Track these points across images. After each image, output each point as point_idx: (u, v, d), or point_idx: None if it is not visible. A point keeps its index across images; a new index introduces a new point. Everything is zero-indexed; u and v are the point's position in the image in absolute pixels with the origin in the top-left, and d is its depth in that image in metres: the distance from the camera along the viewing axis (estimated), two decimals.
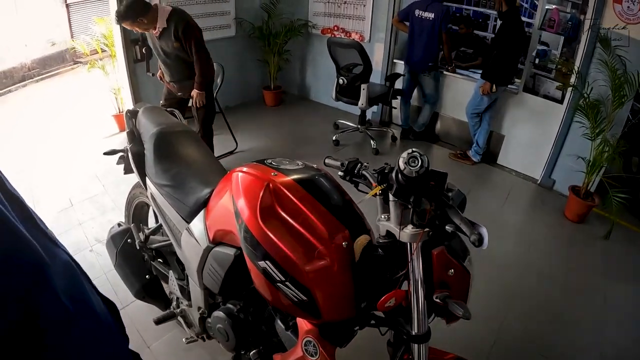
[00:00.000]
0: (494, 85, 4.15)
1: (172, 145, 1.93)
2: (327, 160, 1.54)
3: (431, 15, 4.54)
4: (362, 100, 4.67)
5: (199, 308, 1.85)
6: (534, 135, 4.39)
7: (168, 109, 2.31)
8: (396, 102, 5.17)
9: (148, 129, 2.01)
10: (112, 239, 2.22)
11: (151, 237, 2.18)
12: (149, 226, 2.46)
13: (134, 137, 2.10)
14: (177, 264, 2.06)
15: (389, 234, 1.27)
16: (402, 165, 1.13)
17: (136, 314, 2.57)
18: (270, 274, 1.28)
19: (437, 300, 1.18)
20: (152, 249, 2.19)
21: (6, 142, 6.70)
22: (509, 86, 4.35)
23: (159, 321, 2.09)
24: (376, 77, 5.20)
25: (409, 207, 1.19)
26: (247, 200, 1.34)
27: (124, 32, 4.80)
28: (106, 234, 2.34)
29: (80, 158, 4.89)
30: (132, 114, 2.20)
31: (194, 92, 3.70)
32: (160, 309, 2.17)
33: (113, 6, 4.73)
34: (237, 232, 1.37)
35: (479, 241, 1.06)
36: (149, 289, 2.10)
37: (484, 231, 1.10)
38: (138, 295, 2.12)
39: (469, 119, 4.58)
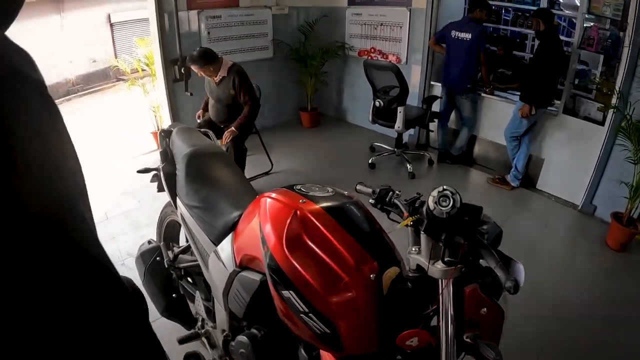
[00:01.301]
0: (533, 108, 4.04)
1: (204, 167, 1.94)
2: (358, 187, 1.51)
3: (468, 36, 4.49)
4: (399, 123, 4.62)
5: (223, 331, 1.83)
6: (574, 159, 4.23)
7: (202, 130, 2.34)
8: (433, 125, 5.11)
9: (181, 149, 2.03)
10: (142, 256, 2.24)
11: (180, 256, 2.19)
12: (180, 245, 2.48)
13: (167, 156, 2.12)
14: (204, 284, 2.05)
15: (419, 267, 1.23)
16: (431, 205, 1.10)
17: (161, 331, 2.55)
18: (294, 304, 1.24)
19: (468, 340, 1.13)
20: (181, 268, 2.19)
21: None
22: (548, 108, 4.23)
23: (182, 340, 2.08)
24: (413, 100, 5.15)
25: (440, 244, 1.15)
26: (273, 228, 1.31)
27: (164, 52, 4.94)
28: (137, 248, 2.37)
29: (118, 173, 5.02)
30: (166, 134, 2.22)
31: (230, 129, 3.96)
32: (185, 329, 2.17)
33: (154, 27, 4.89)
34: (263, 258, 1.34)
35: (514, 288, 1.00)
36: (174, 307, 2.10)
37: (521, 270, 1.06)
38: (164, 313, 2.13)
39: (507, 142, 4.47)
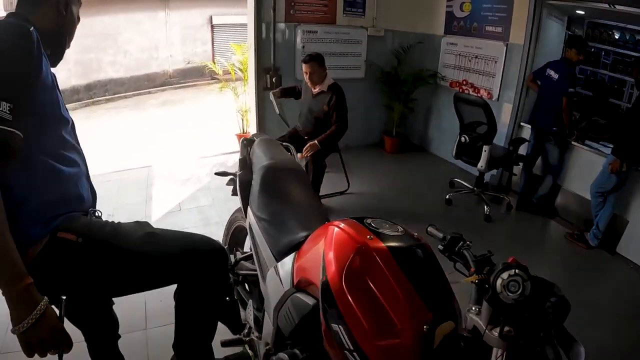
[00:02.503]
0: (625, 164, 3.77)
1: (279, 181, 1.96)
2: (429, 229, 1.47)
3: (556, 76, 4.31)
4: (482, 162, 4.44)
5: (267, 344, 1.84)
6: None
7: (284, 144, 2.38)
8: (517, 169, 4.91)
9: (260, 160, 2.07)
10: None
11: (242, 262, 2.22)
12: (244, 251, 2.53)
13: (246, 164, 2.17)
14: (258, 295, 2.07)
15: (475, 329, 1.18)
16: (498, 288, 1.06)
17: None
18: (341, 338, 1.22)
19: None
20: (240, 274, 2.23)
21: (137, 140, 7.38)
22: None
23: (225, 344, 2.11)
24: (500, 139, 4.93)
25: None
26: (335, 258, 1.30)
27: (258, 60, 5.12)
28: None
29: (198, 168, 5.22)
30: (248, 143, 2.28)
31: (313, 143, 4.01)
32: (231, 332, 2.19)
33: (251, 36, 5.11)
34: (319, 286, 1.34)
35: None
36: (226, 310, 2.13)
37: (581, 354, 0.99)
38: None
39: (592, 197, 4.15)
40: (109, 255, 1.36)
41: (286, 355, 1.59)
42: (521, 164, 4.76)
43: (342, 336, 1.22)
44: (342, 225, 1.42)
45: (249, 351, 2.08)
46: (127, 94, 12.29)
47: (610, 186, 3.93)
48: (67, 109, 1.43)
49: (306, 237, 1.65)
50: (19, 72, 1.16)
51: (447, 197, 4.72)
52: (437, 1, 5.83)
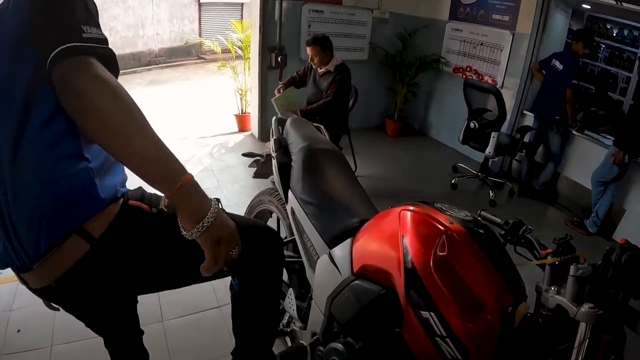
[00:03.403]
0: (627, 155, 3.82)
1: (321, 164, 1.89)
2: (482, 214, 1.48)
3: (561, 67, 4.35)
4: (490, 148, 4.47)
5: (314, 334, 1.78)
6: None
7: (314, 124, 2.28)
8: (519, 155, 4.93)
9: (297, 141, 1.98)
10: None
11: None
12: None
13: (281, 145, 2.07)
14: (300, 283, 2.00)
15: (558, 307, 1.18)
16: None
17: None
18: (431, 326, 1.22)
19: None
20: None
21: None
22: None
23: None
24: (502, 126, 4.95)
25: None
26: (421, 245, 1.28)
27: (263, 39, 5.01)
28: None
29: (198, 150, 5.11)
30: (280, 123, 2.19)
31: (305, 107, 4.10)
32: None
33: (256, 13, 5.04)
34: (397, 273, 1.31)
35: None
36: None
37: None
38: None
39: (593, 186, 4.23)
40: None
41: (341, 345, 1.56)
42: (524, 151, 4.79)
43: (434, 323, 1.22)
44: (417, 209, 1.40)
45: (290, 343, 2.00)
46: None
47: (612, 176, 4.02)
48: None
49: (360, 221, 1.61)
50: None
51: (453, 181, 4.75)
52: None
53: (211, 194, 3.37)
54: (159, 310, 2.65)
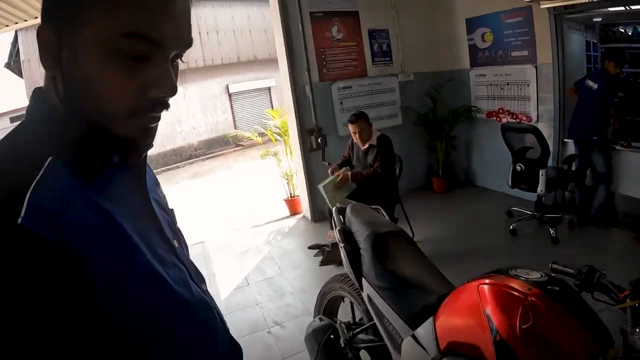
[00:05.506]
0: None
1: (389, 248, 1.97)
2: (554, 266, 1.50)
3: (595, 86, 4.33)
4: (542, 187, 4.40)
5: None
6: None
7: (372, 207, 2.38)
8: (570, 185, 4.82)
9: (361, 229, 2.08)
10: (314, 333, 2.27)
11: (358, 335, 2.19)
12: (341, 320, 2.49)
13: (347, 235, 2.16)
14: None
15: None
16: None
17: None
18: None
19: None
20: (359, 348, 2.19)
21: (178, 215, 7.44)
22: None
23: None
24: None
25: None
26: (505, 317, 1.33)
27: (300, 123, 5.22)
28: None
29: (255, 239, 5.22)
30: (341, 212, 2.29)
31: (346, 173, 4.17)
32: None
33: (289, 99, 5.26)
34: (486, 347, 1.35)
35: None
36: None
37: None
38: None
39: None
40: None
41: None
42: (574, 179, 4.71)
43: None
44: (493, 281, 1.45)
45: None
46: (155, 170, 12.42)
47: None
48: None
49: (438, 299, 1.65)
50: None
51: (511, 227, 4.64)
52: (457, 37, 5.93)
53: (274, 282, 3.49)
54: None
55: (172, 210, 0.89)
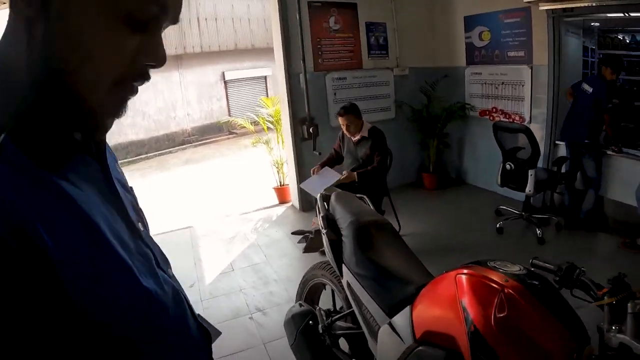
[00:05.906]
0: None
1: (371, 236, 1.96)
2: (534, 262, 1.50)
3: (590, 90, 4.35)
4: (530, 187, 4.43)
5: None
6: None
7: (357, 195, 2.38)
8: (560, 188, 4.86)
9: (344, 216, 2.07)
10: (293, 319, 2.27)
11: (337, 322, 2.19)
12: (320, 307, 2.49)
13: (329, 222, 2.16)
14: (360, 353, 2.04)
15: (622, 346, 1.21)
16: None
17: None
18: None
19: None
20: (337, 334, 2.19)
21: (168, 200, 7.42)
22: None
23: None
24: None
25: None
26: (481, 307, 1.33)
27: (293, 112, 5.20)
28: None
29: (243, 226, 5.22)
30: (325, 199, 2.29)
31: (351, 173, 4.14)
32: None
33: (283, 88, 5.24)
34: (461, 337, 1.36)
35: None
36: None
37: None
38: None
39: (638, 202, 4.11)
40: None
41: None
42: (563, 182, 4.73)
43: None
44: (471, 271, 1.45)
45: None
46: (148, 154, 12.52)
47: None
48: None
49: (416, 289, 1.66)
50: None
51: (498, 225, 4.66)
52: (455, 34, 5.91)
53: (259, 269, 3.49)
54: None
55: (131, 188, 0.82)
